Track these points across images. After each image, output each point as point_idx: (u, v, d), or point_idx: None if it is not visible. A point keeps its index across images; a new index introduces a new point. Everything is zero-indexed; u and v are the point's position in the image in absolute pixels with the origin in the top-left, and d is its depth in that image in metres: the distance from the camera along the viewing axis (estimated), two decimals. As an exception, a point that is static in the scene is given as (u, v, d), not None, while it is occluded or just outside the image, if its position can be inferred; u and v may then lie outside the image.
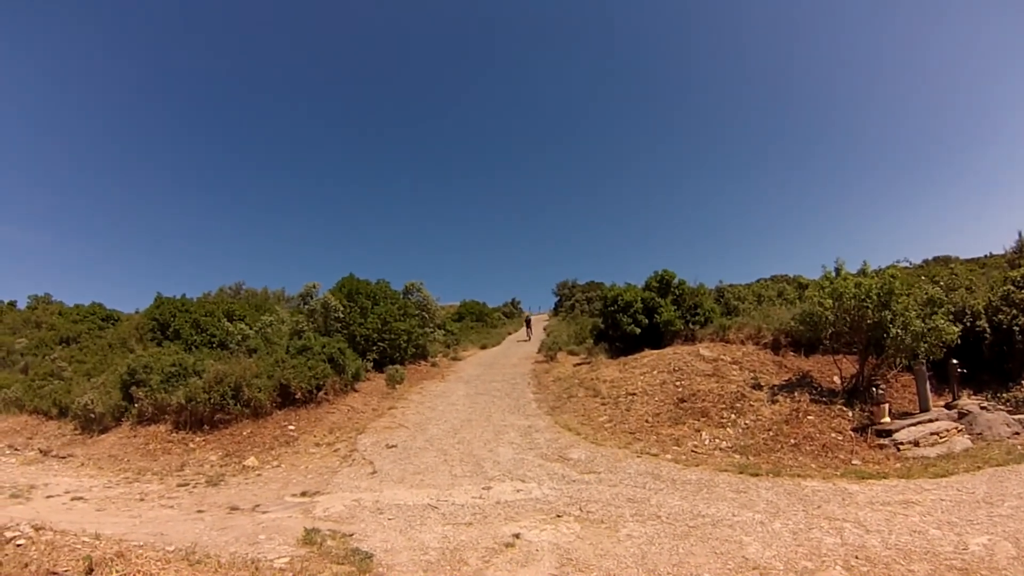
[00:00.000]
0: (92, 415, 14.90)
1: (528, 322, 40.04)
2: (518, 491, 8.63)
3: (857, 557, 5.47)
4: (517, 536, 6.69)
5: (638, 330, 17.94)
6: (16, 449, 15.04)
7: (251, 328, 20.61)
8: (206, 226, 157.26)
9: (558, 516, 7.37)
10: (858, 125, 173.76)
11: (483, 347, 31.73)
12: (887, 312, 11.23)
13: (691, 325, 17.30)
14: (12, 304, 37.23)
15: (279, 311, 23.90)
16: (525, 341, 34.34)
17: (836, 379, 12.25)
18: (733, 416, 11.17)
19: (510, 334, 40.34)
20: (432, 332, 26.23)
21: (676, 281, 18.99)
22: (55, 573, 5.89)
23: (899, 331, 10.96)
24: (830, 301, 11.78)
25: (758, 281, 33.73)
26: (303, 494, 9.50)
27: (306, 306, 22.14)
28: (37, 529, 7.17)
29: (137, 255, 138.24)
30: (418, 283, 27.74)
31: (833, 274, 13.06)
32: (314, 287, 23.40)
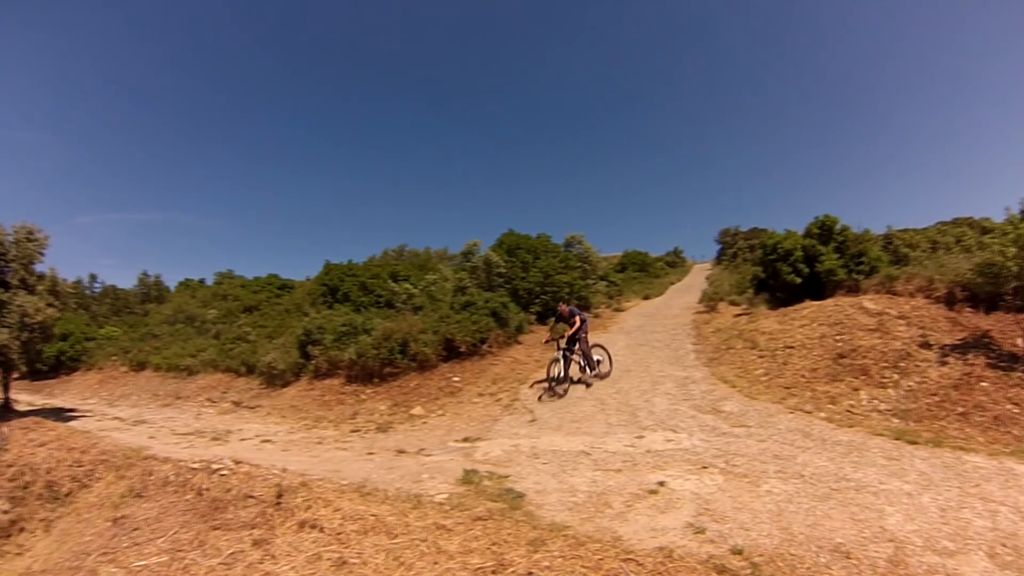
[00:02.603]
0: (275, 372, 16.87)
1: (568, 322, 13.47)
2: (668, 441, 8.87)
3: (1005, 545, 5.14)
4: (661, 484, 6.97)
5: (798, 280, 17.11)
6: (213, 401, 17.37)
7: (416, 287, 21.81)
8: (368, 195, 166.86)
9: (703, 467, 7.54)
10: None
11: (645, 297, 31.24)
12: (1085, 265, 9.80)
13: (854, 275, 16.10)
14: (201, 281, 42.34)
15: (442, 269, 25.00)
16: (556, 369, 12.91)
17: (1020, 341, 11.00)
18: (896, 376, 10.46)
19: (672, 284, 39.06)
20: (594, 283, 26.38)
21: (838, 227, 17.54)
22: (252, 496, 6.96)
23: (1098, 287, 9.58)
24: (1013, 250, 10.51)
25: (936, 225, 30.51)
26: (465, 440, 10.28)
27: (468, 263, 22.97)
28: (236, 463, 8.41)
29: (305, 227, 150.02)
30: (579, 235, 27.89)
31: (1018, 218, 11.74)
32: (475, 245, 24.18)
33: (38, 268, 15.66)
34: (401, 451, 9.98)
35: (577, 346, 13.33)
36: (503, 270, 21.14)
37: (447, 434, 10.95)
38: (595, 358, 13.43)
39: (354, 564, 5.00)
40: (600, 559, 4.82)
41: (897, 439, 8.31)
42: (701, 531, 5.56)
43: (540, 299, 20.58)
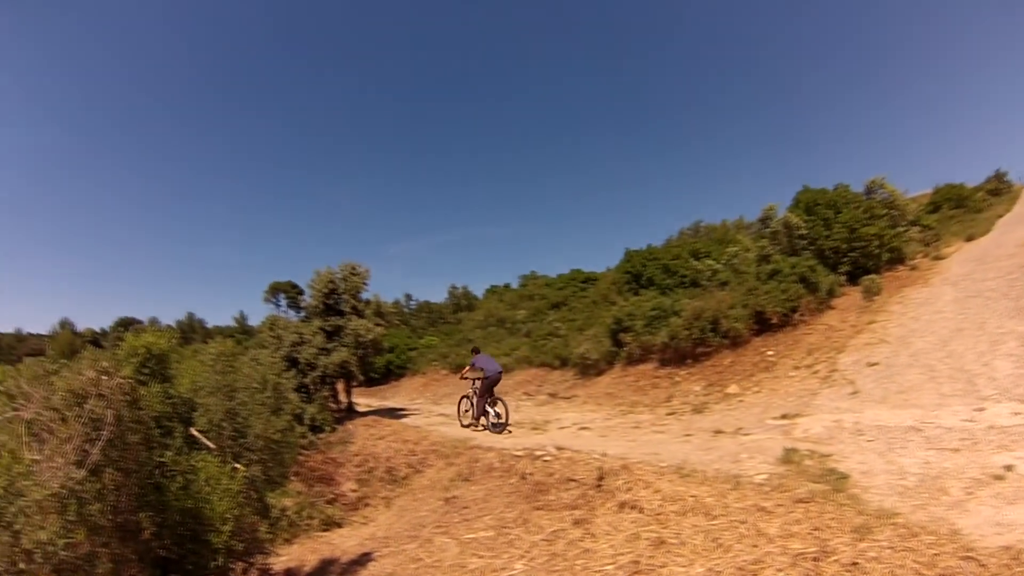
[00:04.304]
0: (588, 362, 17.83)
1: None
2: (1016, 415, 7.76)
3: None
4: (1009, 468, 6.10)
5: None
6: (529, 395, 18.95)
7: (718, 262, 21.49)
8: (656, 177, 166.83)
9: (1064, 449, 6.44)
10: None
11: (969, 238, 26.76)
12: None
13: None
14: (507, 286, 45.48)
15: (742, 240, 24.25)
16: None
17: None
18: None
19: (1000, 216, 32.63)
20: (905, 231, 23.63)
21: None
22: (573, 479, 7.67)
23: None
24: None
25: None
26: (783, 417, 10.06)
27: (767, 229, 22.09)
28: (559, 449, 9.25)
29: (600, 220, 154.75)
30: (880, 178, 24.72)
31: None
32: (772, 209, 23.02)
33: (364, 296, 19.51)
34: (718, 431, 10.07)
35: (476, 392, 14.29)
36: (804, 231, 19.90)
37: (764, 411, 10.81)
38: (491, 411, 13.64)
39: (672, 544, 5.21)
40: (935, 554, 4.46)
41: None
42: (1062, 532, 4.77)
43: (848, 257, 19.04)
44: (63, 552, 4.04)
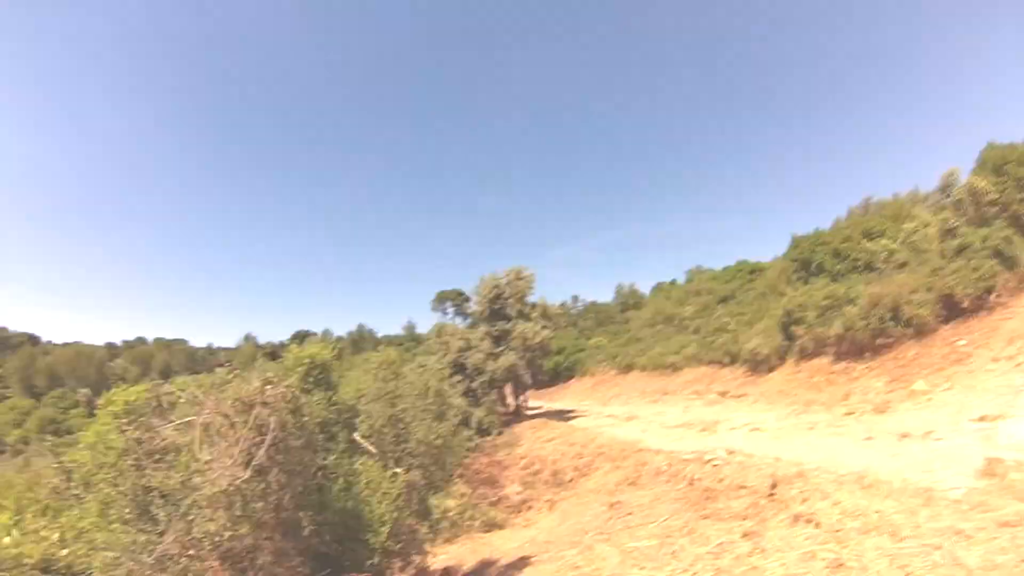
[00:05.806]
0: (758, 358, 17.21)
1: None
2: None
3: None
4: None
5: None
6: (699, 394, 18.47)
7: (894, 241, 19.77)
8: (821, 150, 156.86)
9: None
10: None
11: None
12: None
13: None
14: (673, 282, 45.53)
15: (919, 214, 22.14)
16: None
17: None
18: None
19: None
20: (1122, 175, 20.40)
21: None
22: (744, 486, 7.29)
23: None
24: None
25: None
26: (981, 418, 9.04)
27: (948, 199, 20.12)
28: (729, 453, 8.86)
29: (767, 204, 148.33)
30: None
31: None
32: (952, 174, 20.90)
33: (530, 299, 20.07)
34: (904, 434, 9.22)
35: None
36: (994, 196, 17.63)
37: (958, 412, 9.76)
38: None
39: (852, 568, 4.75)
40: None
41: None
42: None
43: (1053, 222, 16.69)
44: (228, 543, 4.55)
